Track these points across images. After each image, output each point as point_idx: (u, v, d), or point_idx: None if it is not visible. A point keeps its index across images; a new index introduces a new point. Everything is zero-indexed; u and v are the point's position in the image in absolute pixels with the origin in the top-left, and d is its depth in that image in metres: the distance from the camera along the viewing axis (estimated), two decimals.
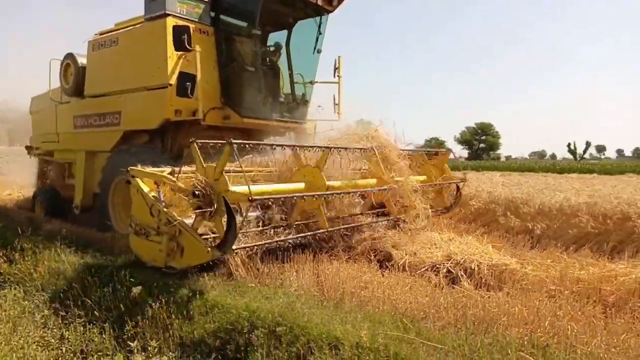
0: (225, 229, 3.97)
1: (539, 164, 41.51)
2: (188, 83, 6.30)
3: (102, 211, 7.13)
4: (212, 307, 3.76)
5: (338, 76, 7.84)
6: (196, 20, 6.84)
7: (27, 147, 10.64)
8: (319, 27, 7.63)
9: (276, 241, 4.94)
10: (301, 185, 5.14)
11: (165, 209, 4.25)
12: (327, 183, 5.14)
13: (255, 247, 4.69)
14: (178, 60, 6.48)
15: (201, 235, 4.24)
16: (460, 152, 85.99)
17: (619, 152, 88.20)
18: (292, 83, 7.89)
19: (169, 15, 6.54)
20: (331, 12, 7.58)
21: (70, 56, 8.21)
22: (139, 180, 4.57)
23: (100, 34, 8.01)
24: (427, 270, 4.86)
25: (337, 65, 7.79)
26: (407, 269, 4.94)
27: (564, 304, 3.66)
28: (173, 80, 6.43)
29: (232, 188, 4.05)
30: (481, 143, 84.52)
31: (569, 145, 67.31)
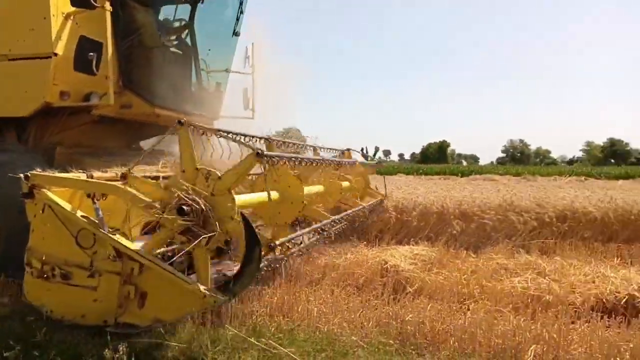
0: (242, 260, 2.99)
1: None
2: (91, 53, 4.61)
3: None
4: None
5: (251, 66, 6.50)
6: None
7: None
8: (240, 4, 6.40)
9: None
10: (275, 194, 4.05)
11: (112, 236, 2.96)
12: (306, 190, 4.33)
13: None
14: (66, 20, 4.63)
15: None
16: None
17: (400, 155, 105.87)
18: (197, 69, 6.32)
19: None
20: None
21: None
22: (47, 191, 3.16)
23: None
24: None
25: (248, 53, 6.45)
26: None
27: (317, 289, 4.07)
28: (60, 48, 4.56)
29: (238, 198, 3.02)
30: None
31: (362, 149, 76.09)
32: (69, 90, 4.71)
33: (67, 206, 3.13)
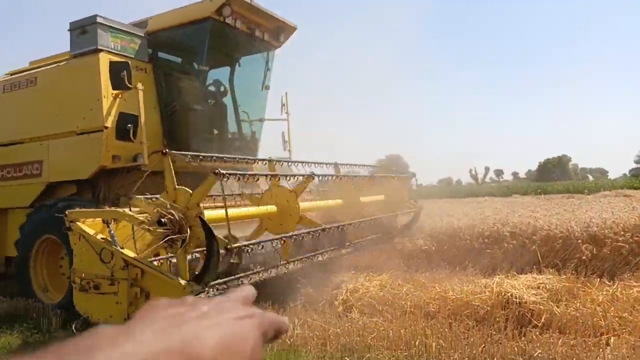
0: (205, 256, 3.64)
1: (444, 190, 44.77)
2: (129, 125, 5.58)
3: (22, 277, 6.00)
4: None
5: (286, 113, 7.70)
6: (132, 56, 6.22)
7: None
8: (267, 62, 7.40)
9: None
10: (273, 207, 5.00)
11: (121, 249, 3.81)
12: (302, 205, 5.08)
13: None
14: (114, 100, 5.83)
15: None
16: None
17: (514, 174, 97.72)
18: (238, 121, 7.50)
19: (101, 50, 5.90)
20: (278, 47, 7.39)
21: None
22: (80, 224, 4.05)
23: (11, 74, 7.12)
24: None
25: (284, 102, 7.64)
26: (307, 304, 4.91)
27: (435, 323, 3.92)
28: (110, 122, 5.72)
29: (208, 213, 3.79)
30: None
31: (470, 170, 72.65)
32: (120, 154, 5.80)
33: (92, 231, 3.99)
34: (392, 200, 7.08)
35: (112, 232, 3.89)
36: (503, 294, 4.37)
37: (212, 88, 7.29)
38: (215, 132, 6.92)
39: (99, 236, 3.98)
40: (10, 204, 6.67)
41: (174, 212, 3.65)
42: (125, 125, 5.58)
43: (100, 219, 4.21)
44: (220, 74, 7.53)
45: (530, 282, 4.73)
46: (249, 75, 7.52)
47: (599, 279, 5.07)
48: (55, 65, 6.55)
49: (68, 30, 6.15)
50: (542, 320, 3.93)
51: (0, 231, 6.77)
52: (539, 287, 4.59)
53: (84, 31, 6.01)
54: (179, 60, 7.00)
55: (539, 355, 3.18)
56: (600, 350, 3.29)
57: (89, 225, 4.12)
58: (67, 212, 4.19)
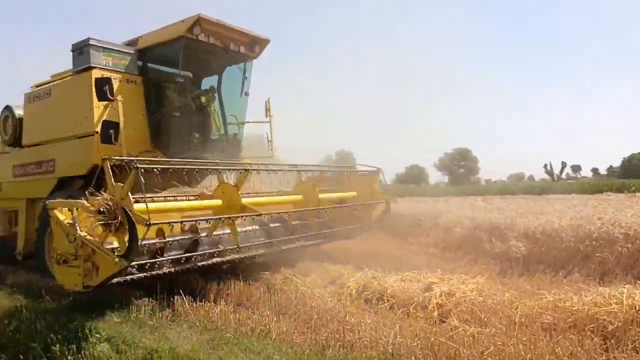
0: (128, 238, 4.43)
1: (517, 185, 42.17)
2: (111, 131, 6.66)
3: (40, 258, 7.26)
4: None
5: (270, 116, 8.45)
6: (122, 70, 7.27)
7: None
8: (244, 72, 8.24)
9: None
10: (218, 201, 5.65)
11: (80, 232, 4.64)
12: (244, 200, 5.64)
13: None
14: (104, 109, 6.87)
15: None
16: (441, 177, 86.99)
17: (594, 170, 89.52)
18: (224, 124, 8.37)
19: (93, 68, 6.96)
20: (254, 58, 8.15)
21: (8, 108, 8.61)
22: (56, 211, 4.96)
23: (36, 87, 8.41)
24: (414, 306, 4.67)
25: (267, 107, 8.41)
26: (395, 306, 4.80)
27: (561, 339, 3.42)
28: (98, 128, 6.78)
29: (135, 206, 4.56)
30: (461, 168, 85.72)
31: (545, 166, 68.35)
32: (107, 155, 6.58)
33: (63, 217, 4.85)
34: (363, 195, 7.73)
35: (74, 218, 4.81)
36: (637, 307, 3.73)
37: (198, 96, 8.06)
38: (197, 135, 7.74)
39: (67, 221, 4.82)
40: (34, 195, 8.04)
41: (110, 204, 4.55)
42: (108, 131, 6.65)
43: (66, 207, 5.13)
44: (213, 82, 8.38)
45: None
46: (233, 83, 8.35)
47: None
48: (63, 80, 7.81)
49: (70, 50, 7.30)
50: None
51: (32, 218, 8.09)
52: None
53: (81, 52, 7.14)
54: (167, 71, 7.86)
55: None
56: None
57: (63, 213, 5.03)
58: (47, 202, 5.20)
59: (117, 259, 4.42)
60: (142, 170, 4.70)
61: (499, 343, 3.47)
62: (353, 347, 3.70)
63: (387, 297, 5.09)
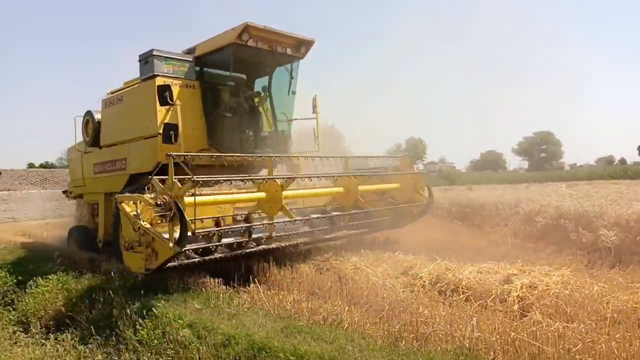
0: (180, 229, 4.99)
1: (607, 170, 38.97)
2: (171, 132, 7.50)
3: (116, 246, 7.89)
4: (260, 349, 3.66)
5: (316, 113, 8.94)
6: (182, 77, 8.05)
7: (64, 192, 12.36)
8: (290, 72, 8.78)
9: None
10: (262, 194, 6.05)
11: (141, 222, 5.31)
12: (285, 193, 6.01)
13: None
14: (166, 113, 7.66)
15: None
16: (520, 163, 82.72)
17: None
18: (274, 122, 8.97)
19: (157, 75, 7.76)
20: (301, 58, 8.66)
21: (89, 113, 9.70)
22: (124, 204, 5.65)
23: (111, 93, 9.43)
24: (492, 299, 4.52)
25: (314, 103, 8.90)
26: (471, 298, 4.68)
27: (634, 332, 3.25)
28: (161, 130, 7.61)
29: (185, 199, 5.14)
30: (542, 153, 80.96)
31: (639, 148, 62.67)
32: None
33: (129, 209, 5.52)
34: (404, 187, 8.13)
35: (138, 210, 5.49)
36: None
37: (251, 97, 8.76)
38: (249, 133, 8.44)
39: (132, 213, 5.47)
40: (112, 189, 8.93)
41: (166, 198, 5.15)
42: (169, 132, 7.49)
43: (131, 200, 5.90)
44: (265, 82, 8.99)
45: None
46: (282, 83, 8.94)
47: None
48: (132, 87, 8.68)
49: (138, 61, 8.18)
50: None
51: (110, 210, 8.90)
52: None
53: (146, 61, 7.97)
54: (219, 75, 8.55)
55: None
56: None
57: (129, 205, 5.61)
58: (117, 196, 5.94)
59: (171, 245, 4.99)
60: (190, 165, 5.36)
61: (588, 340, 3.28)
62: (427, 339, 3.61)
63: (462, 289, 4.97)
